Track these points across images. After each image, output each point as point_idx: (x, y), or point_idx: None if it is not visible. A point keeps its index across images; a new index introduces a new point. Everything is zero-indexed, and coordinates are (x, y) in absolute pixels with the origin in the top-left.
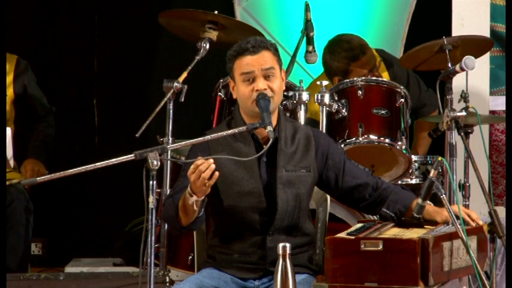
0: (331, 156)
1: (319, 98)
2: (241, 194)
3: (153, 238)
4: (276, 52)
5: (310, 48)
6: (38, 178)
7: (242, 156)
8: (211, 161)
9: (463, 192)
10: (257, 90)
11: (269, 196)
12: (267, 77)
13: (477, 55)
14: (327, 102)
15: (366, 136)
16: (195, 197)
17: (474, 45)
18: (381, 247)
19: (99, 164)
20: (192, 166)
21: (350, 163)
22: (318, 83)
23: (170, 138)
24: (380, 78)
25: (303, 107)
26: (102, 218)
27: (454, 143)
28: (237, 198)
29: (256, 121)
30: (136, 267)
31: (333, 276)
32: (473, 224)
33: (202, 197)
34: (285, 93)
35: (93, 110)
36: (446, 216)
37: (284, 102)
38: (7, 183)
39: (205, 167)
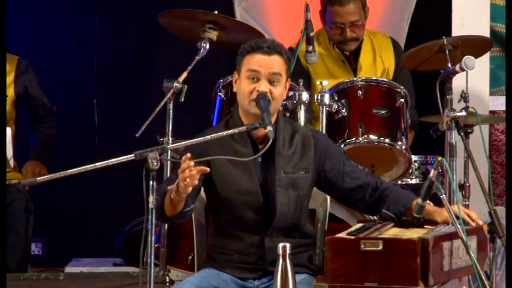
0: (329, 157)
1: (319, 98)
2: (239, 193)
3: (153, 238)
4: (287, 61)
5: (310, 48)
6: (38, 178)
7: (240, 157)
8: (192, 163)
9: (463, 192)
10: (258, 91)
11: (266, 196)
12: (271, 82)
13: (477, 55)
14: (327, 102)
15: (365, 136)
16: (173, 186)
17: (474, 45)
18: (380, 247)
19: (99, 164)
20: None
21: (349, 164)
22: (318, 83)
23: (170, 138)
24: (380, 78)
25: (303, 107)
26: (102, 218)
27: (454, 143)
28: (234, 197)
29: (254, 121)
30: (137, 267)
31: (333, 276)
32: (473, 224)
33: (180, 194)
34: None
35: (93, 110)
36: (446, 216)
37: (284, 102)
38: (7, 182)
39: (184, 169)
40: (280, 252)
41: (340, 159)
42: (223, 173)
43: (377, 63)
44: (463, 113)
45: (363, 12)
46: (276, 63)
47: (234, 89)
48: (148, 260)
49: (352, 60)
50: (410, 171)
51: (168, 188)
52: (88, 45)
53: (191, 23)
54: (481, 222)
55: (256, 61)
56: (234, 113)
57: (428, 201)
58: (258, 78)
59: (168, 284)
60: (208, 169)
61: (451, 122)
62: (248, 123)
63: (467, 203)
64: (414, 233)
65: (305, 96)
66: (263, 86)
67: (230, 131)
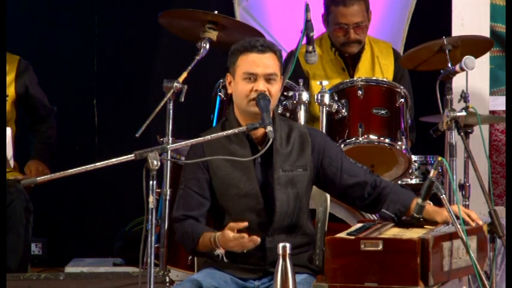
0: (327, 154)
1: (319, 98)
2: (239, 196)
3: (153, 238)
4: (280, 58)
5: (310, 48)
6: (38, 178)
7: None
8: (259, 240)
9: (463, 192)
10: (256, 90)
11: (266, 197)
12: (268, 80)
13: (477, 55)
14: (327, 102)
15: (365, 136)
16: (221, 251)
17: (474, 45)
18: (380, 247)
19: (99, 164)
20: (233, 236)
21: (348, 161)
22: (318, 83)
23: (170, 138)
24: (380, 78)
25: (303, 107)
26: (102, 218)
27: (454, 143)
28: (235, 200)
29: (251, 122)
30: (136, 267)
31: (333, 276)
32: (473, 224)
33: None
34: (284, 93)
35: (93, 110)
36: (446, 216)
37: (284, 102)
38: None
39: (251, 243)
40: (280, 252)
41: (338, 156)
42: (223, 176)
43: (375, 72)
44: (463, 113)
45: (366, 15)
46: (271, 62)
47: (229, 91)
48: (148, 260)
49: (350, 68)
50: (410, 171)
51: (201, 229)
52: (88, 45)
53: (191, 23)
54: (481, 222)
55: (252, 61)
56: (229, 116)
57: (428, 201)
58: (255, 78)
59: (168, 284)
60: (259, 239)
61: (451, 122)
62: (245, 123)
63: (467, 203)
64: (414, 233)
65: (305, 96)
66: (261, 85)
67: (230, 131)
